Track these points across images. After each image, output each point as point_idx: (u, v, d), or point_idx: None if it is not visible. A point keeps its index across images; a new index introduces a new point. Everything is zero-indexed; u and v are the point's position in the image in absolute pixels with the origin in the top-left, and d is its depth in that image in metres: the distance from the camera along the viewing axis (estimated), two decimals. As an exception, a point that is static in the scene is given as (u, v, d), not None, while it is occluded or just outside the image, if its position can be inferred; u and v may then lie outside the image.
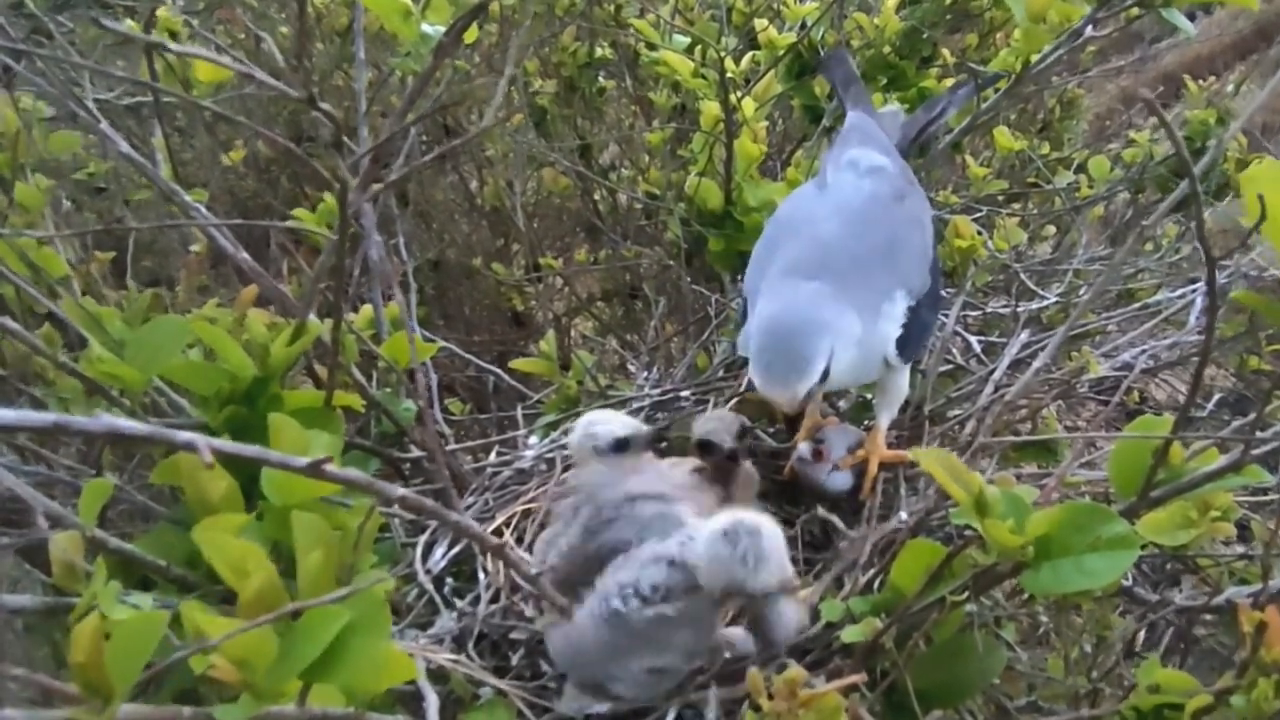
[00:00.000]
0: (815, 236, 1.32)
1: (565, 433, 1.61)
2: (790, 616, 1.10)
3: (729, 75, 1.69)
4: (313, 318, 1.29)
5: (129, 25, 1.67)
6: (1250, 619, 0.73)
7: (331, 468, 0.66)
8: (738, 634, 1.15)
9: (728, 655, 1.13)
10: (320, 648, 0.58)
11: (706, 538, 1.04)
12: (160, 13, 1.63)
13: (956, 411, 1.57)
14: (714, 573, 1.04)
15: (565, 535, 1.18)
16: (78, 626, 0.54)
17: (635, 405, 1.68)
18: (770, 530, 1.04)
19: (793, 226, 1.38)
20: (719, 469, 1.28)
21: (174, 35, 1.62)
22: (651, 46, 1.99)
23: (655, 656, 1.07)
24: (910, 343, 1.31)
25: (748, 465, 1.32)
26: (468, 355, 2.13)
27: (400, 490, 0.76)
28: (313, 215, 1.53)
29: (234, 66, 0.86)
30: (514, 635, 1.20)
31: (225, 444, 0.58)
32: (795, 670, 0.80)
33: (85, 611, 0.59)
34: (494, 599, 1.25)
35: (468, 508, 1.46)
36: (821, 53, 2.04)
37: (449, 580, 1.30)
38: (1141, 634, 1.43)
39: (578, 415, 1.67)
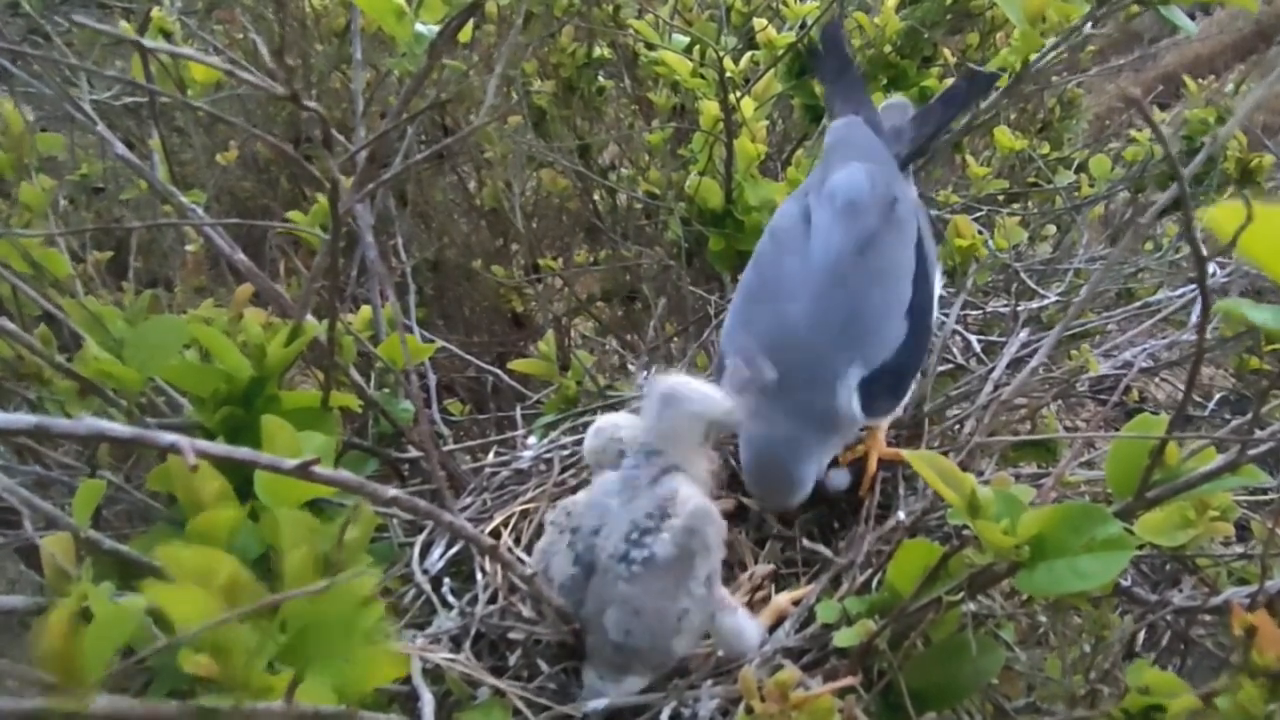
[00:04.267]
0: (779, 323, 1.34)
1: (564, 433, 1.61)
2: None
3: (728, 75, 1.69)
4: (310, 318, 1.29)
5: (124, 26, 1.67)
6: (1241, 622, 0.72)
7: (321, 469, 0.66)
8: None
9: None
10: (300, 640, 0.58)
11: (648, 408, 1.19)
12: (154, 13, 1.63)
13: (955, 411, 1.57)
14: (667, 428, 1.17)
15: (558, 562, 1.18)
16: (50, 616, 0.53)
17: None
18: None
19: (767, 294, 1.40)
20: None
21: (168, 36, 1.62)
22: (650, 46, 1.99)
23: (685, 590, 1.09)
24: (875, 399, 1.34)
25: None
26: (467, 356, 2.13)
27: (392, 491, 0.75)
28: (306, 218, 1.53)
29: (219, 65, 0.86)
30: (512, 635, 1.20)
31: (211, 446, 0.58)
32: (788, 671, 0.79)
33: (73, 609, 0.58)
34: (492, 599, 1.24)
35: (465, 508, 1.45)
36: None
37: (447, 580, 1.30)
38: (1142, 635, 1.42)
39: (577, 416, 1.68)
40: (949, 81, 2.16)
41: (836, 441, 1.37)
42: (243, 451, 0.60)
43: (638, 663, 1.10)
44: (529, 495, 1.46)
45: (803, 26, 2.01)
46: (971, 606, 1.09)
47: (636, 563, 1.09)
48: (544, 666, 1.16)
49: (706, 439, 1.20)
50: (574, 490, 1.45)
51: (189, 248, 1.74)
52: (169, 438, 0.54)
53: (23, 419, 0.53)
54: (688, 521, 1.10)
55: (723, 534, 1.14)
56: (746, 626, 1.15)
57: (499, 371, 2.11)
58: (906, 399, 1.44)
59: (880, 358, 1.34)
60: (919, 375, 1.47)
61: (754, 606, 1.23)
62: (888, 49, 2.16)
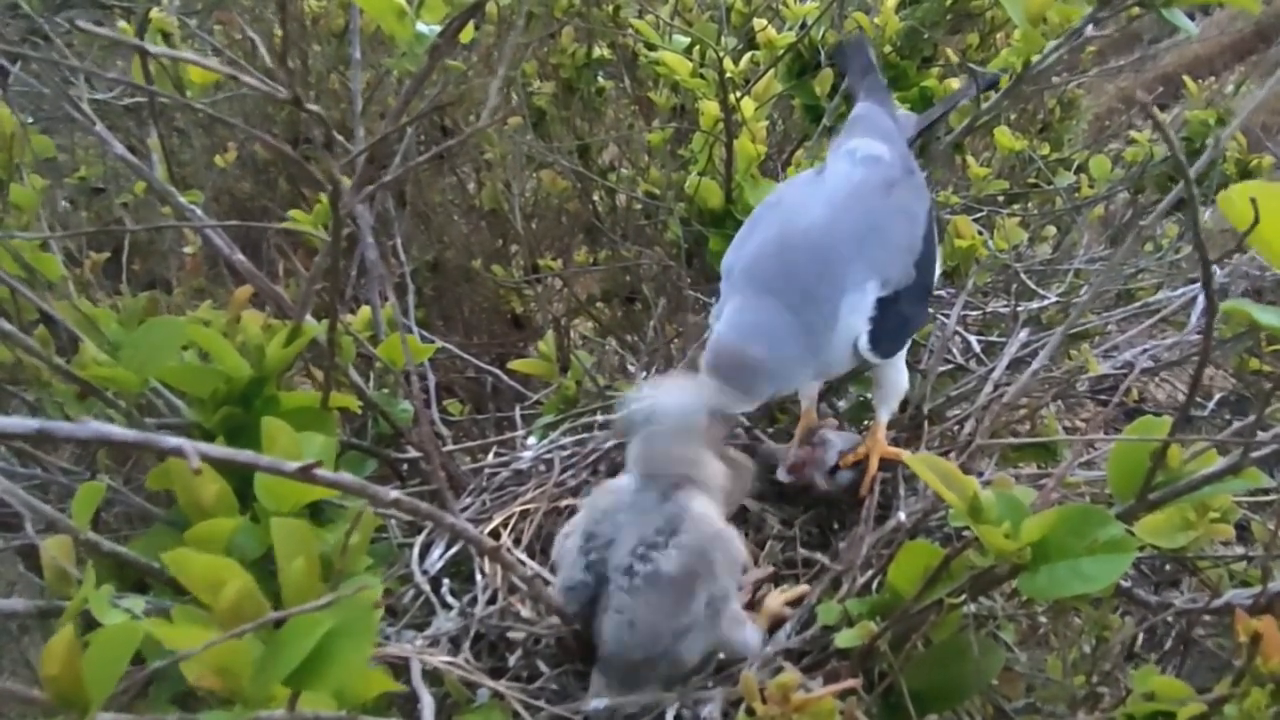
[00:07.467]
0: (787, 229, 1.30)
1: (564, 434, 1.61)
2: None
3: (728, 75, 1.69)
4: (309, 319, 1.29)
5: (122, 27, 1.67)
6: (1246, 628, 0.72)
7: (323, 471, 0.65)
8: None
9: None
10: (302, 655, 0.58)
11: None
12: (153, 14, 1.62)
13: (955, 411, 1.57)
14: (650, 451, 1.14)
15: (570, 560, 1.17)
16: (51, 641, 0.53)
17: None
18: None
19: (777, 210, 1.38)
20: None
21: (166, 37, 1.61)
22: (650, 47, 1.99)
23: (685, 609, 1.08)
24: (884, 336, 1.28)
25: (745, 458, 1.32)
26: (466, 356, 2.12)
27: (393, 493, 0.75)
28: (308, 217, 1.52)
29: (219, 68, 0.86)
30: (511, 636, 1.20)
31: (214, 449, 0.57)
32: (789, 674, 0.79)
33: (74, 616, 0.58)
34: (491, 600, 1.24)
35: (465, 509, 1.45)
36: (822, 51, 2.04)
37: (446, 581, 1.29)
38: (1141, 636, 1.43)
39: (577, 416, 1.67)
40: (949, 82, 2.16)
41: (814, 367, 1.28)
42: (245, 455, 0.60)
43: (643, 674, 1.09)
44: (529, 496, 1.46)
45: (803, 27, 2.01)
46: (972, 608, 1.09)
47: (639, 576, 1.08)
48: (544, 668, 1.16)
49: (703, 437, 1.16)
50: (574, 491, 1.45)
51: (187, 249, 1.74)
52: (173, 441, 0.54)
53: (26, 423, 0.52)
54: (696, 542, 1.09)
55: (734, 558, 1.12)
56: (750, 638, 1.15)
57: (498, 372, 2.10)
58: (904, 352, 1.40)
59: (897, 283, 1.29)
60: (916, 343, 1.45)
61: (753, 608, 1.23)
62: (888, 49, 2.16)
